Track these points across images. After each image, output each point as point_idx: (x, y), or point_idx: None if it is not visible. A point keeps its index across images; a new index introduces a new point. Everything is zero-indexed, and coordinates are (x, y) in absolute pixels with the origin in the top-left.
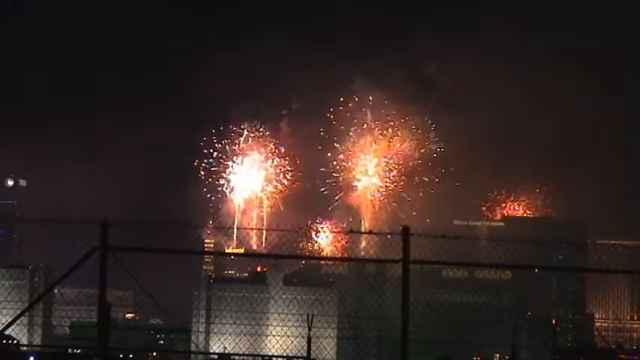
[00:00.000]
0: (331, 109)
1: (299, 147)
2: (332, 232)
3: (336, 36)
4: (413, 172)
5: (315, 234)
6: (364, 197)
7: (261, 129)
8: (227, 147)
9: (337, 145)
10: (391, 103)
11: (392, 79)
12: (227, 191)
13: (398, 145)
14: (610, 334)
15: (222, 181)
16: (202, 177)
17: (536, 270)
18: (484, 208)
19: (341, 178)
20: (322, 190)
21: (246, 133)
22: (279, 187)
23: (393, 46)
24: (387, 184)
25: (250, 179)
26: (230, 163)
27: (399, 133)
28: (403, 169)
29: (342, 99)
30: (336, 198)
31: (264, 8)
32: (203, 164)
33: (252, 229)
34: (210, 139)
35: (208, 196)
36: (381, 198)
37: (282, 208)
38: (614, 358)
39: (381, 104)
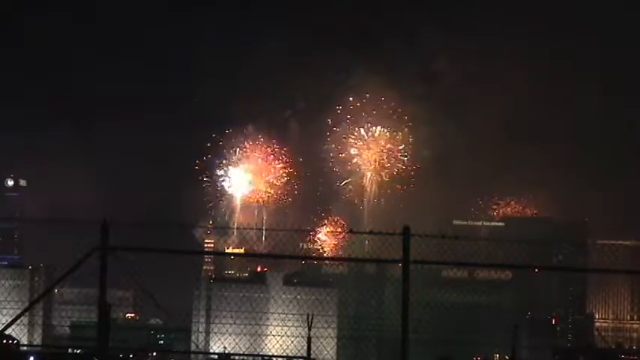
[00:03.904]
0: (336, 107)
1: (301, 147)
2: (332, 232)
3: (338, 33)
4: (414, 171)
5: (316, 234)
6: (364, 195)
7: (263, 130)
8: (228, 147)
9: (344, 140)
10: (394, 101)
11: (395, 76)
12: (227, 192)
13: (401, 145)
14: (610, 334)
15: (222, 182)
16: (203, 177)
17: (536, 270)
18: (492, 206)
19: (341, 174)
20: (318, 192)
21: (247, 133)
22: (279, 185)
23: (396, 44)
24: (388, 183)
25: (251, 180)
26: (231, 164)
27: (401, 132)
28: (404, 168)
29: (350, 98)
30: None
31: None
32: (204, 164)
33: (252, 229)
34: (210, 139)
35: (208, 197)
36: (381, 197)
37: (285, 209)
38: (614, 358)
39: (383, 102)
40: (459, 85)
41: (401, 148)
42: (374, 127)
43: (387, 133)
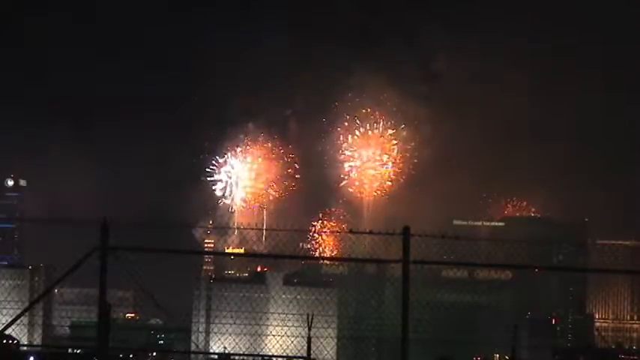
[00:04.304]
0: (334, 105)
1: (301, 146)
2: (332, 232)
3: (338, 33)
4: (415, 171)
5: (316, 233)
6: (364, 193)
7: (263, 128)
8: (228, 147)
9: (344, 138)
10: (395, 100)
11: (395, 76)
12: (227, 192)
13: (401, 143)
14: (610, 334)
15: (223, 182)
16: (203, 177)
17: (536, 270)
18: (491, 203)
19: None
20: (318, 192)
21: (247, 134)
22: (279, 185)
23: (397, 43)
24: (389, 181)
25: (251, 179)
26: (231, 164)
27: (404, 132)
28: (405, 168)
29: (350, 94)
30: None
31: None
32: (204, 164)
33: (252, 229)
34: (210, 138)
35: (208, 197)
36: (382, 195)
37: (285, 206)
38: (614, 358)
39: (384, 101)
40: (459, 84)
41: (409, 146)
42: (375, 124)
43: (389, 132)
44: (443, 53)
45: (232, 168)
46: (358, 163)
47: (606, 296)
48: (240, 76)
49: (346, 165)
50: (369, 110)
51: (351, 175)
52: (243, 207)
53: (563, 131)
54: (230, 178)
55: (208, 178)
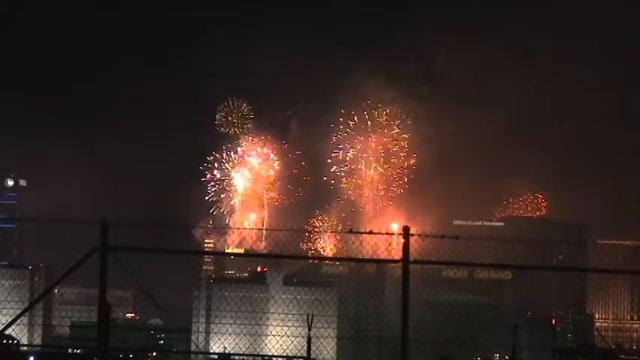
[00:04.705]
0: (334, 105)
1: (301, 147)
2: (332, 232)
3: (338, 33)
4: (415, 170)
5: (315, 234)
6: (364, 194)
7: (263, 129)
8: (229, 147)
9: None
10: (395, 100)
11: (396, 76)
12: (227, 192)
13: (402, 143)
14: (610, 334)
15: (223, 182)
16: (204, 178)
17: (537, 270)
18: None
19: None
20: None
21: (248, 133)
22: (279, 185)
23: (398, 43)
24: (388, 180)
25: (251, 179)
26: (230, 164)
27: (405, 132)
28: (405, 168)
29: (349, 94)
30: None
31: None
32: (204, 164)
33: (252, 229)
34: (211, 138)
35: (209, 196)
36: (381, 195)
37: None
38: (614, 358)
39: (384, 101)
40: (460, 84)
41: (408, 146)
42: (375, 124)
43: (389, 133)
44: (443, 53)
45: (232, 168)
46: (350, 158)
47: (606, 296)
48: (240, 77)
49: (339, 166)
50: (369, 106)
51: (344, 178)
52: (243, 206)
53: (564, 131)
54: (229, 177)
55: (203, 179)
